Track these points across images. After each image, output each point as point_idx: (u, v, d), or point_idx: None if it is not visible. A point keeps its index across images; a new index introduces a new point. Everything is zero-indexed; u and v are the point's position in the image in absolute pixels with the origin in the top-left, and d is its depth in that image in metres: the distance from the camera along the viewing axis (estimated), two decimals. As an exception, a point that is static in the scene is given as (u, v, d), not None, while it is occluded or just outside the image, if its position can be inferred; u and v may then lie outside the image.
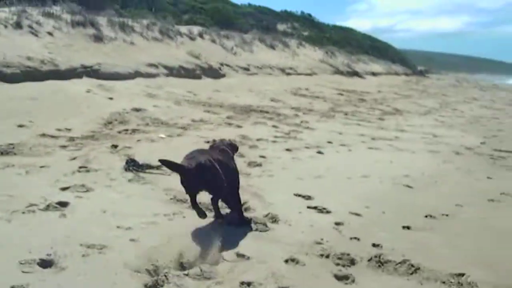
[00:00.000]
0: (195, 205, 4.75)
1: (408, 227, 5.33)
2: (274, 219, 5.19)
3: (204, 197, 5.06)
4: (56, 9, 17.90)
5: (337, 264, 4.26)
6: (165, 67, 17.15)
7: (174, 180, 6.15)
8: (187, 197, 5.47)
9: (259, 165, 7.54)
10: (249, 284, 3.78)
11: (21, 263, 3.71)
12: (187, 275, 3.83)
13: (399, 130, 12.73)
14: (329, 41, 43.38)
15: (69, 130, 8.50)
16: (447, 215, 5.84)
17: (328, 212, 5.62)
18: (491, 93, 36.74)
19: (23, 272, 3.63)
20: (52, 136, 8.00)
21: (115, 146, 7.72)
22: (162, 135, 8.88)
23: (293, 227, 5.09)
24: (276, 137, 9.96)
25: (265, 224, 5.03)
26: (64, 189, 5.58)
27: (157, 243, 4.33)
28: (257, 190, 6.13)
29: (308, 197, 6.07)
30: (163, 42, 20.52)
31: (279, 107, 14.60)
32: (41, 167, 6.34)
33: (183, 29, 23.83)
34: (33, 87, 11.05)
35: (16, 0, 17.60)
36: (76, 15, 17.78)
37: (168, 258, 4.05)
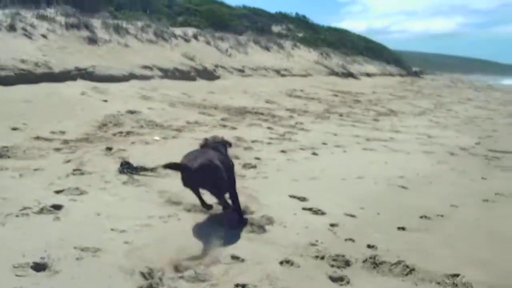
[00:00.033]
0: (200, 198, 5.05)
1: (403, 228, 5.34)
2: (269, 221, 5.19)
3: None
4: (50, 12, 17.82)
5: (332, 266, 4.25)
6: (160, 69, 17.10)
7: (168, 182, 6.18)
8: (182, 199, 5.51)
9: (254, 167, 7.54)
10: (244, 286, 3.78)
11: (14, 267, 3.70)
12: (181, 277, 3.83)
13: (394, 131, 12.75)
14: (324, 42, 43.39)
15: (63, 132, 8.47)
16: (442, 216, 5.85)
17: (323, 213, 5.62)
18: (486, 93, 36.87)
19: (16, 275, 3.61)
20: (46, 139, 7.97)
21: (109, 149, 7.70)
22: (157, 138, 8.87)
23: (288, 228, 5.08)
24: (271, 138, 9.96)
25: (260, 226, 5.02)
26: (58, 192, 5.55)
27: (151, 245, 4.32)
28: (252, 192, 6.13)
29: (303, 199, 6.07)
30: (157, 44, 20.47)
31: (274, 109, 14.59)
32: (35, 170, 6.32)
33: (178, 31, 23.78)
34: (27, 90, 11.00)
35: (9, 2, 17.53)
36: (70, 17, 17.70)
37: (163, 260, 4.03)
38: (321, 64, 31.88)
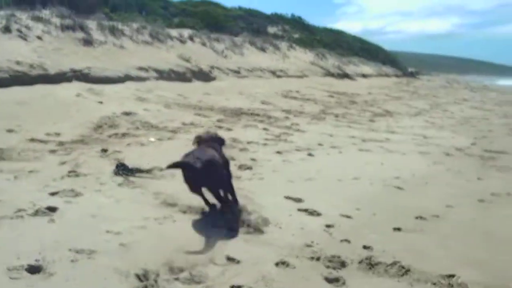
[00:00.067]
0: (203, 197, 5.24)
1: (398, 229, 5.33)
2: (265, 222, 5.17)
3: (195, 201, 5.05)
4: (45, 13, 17.80)
5: (328, 267, 4.25)
6: (155, 70, 17.08)
7: (164, 184, 6.18)
8: (177, 201, 5.52)
9: (250, 168, 7.53)
10: (239, 287, 3.77)
11: (9, 269, 3.68)
12: (177, 279, 3.82)
13: (390, 132, 12.76)
14: (320, 43, 43.48)
15: (58, 134, 8.45)
16: (437, 216, 5.85)
17: (318, 214, 5.61)
18: (481, 94, 36.94)
19: (10, 278, 3.59)
20: (41, 141, 7.95)
21: (104, 150, 7.68)
22: (152, 139, 8.85)
23: (284, 229, 5.07)
24: (266, 139, 9.95)
25: (255, 227, 5.02)
26: (53, 194, 5.53)
27: (146, 247, 4.31)
28: (247, 193, 6.12)
29: (299, 200, 6.06)
30: (153, 46, 20.46)
31: (269, 110, 14.59)
32: (30, 172, 6.30)
33: (174, 32, 23.80)
34: (22, 92, 10.97)
35: (4, 4, 17.50)
36: (65, 19, 17.69)
37: (158, 262, 4.02)
38: (316, 65, 31.93)
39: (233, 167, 6.80)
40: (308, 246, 4.66)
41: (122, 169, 6.55)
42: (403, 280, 4.13)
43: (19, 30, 14.98)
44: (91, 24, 18.75)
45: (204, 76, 19.44)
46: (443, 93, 33.17)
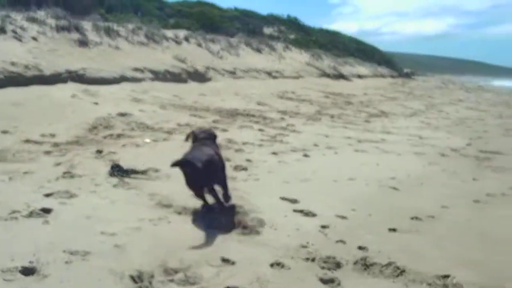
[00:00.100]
0: (203, 198, 5.37)
1: (394, 229, 5.33)
2: (260, 223, 5.16)
3: (190, 202, 5.04)
4: (40, 14, 17.75)
5: (323, 268, 4.24)
6: (151, 71, 17.06)
7: (159, 185, 6.18)
8: (172, 202, 5.52)
9: (245, 169, 7.52)
10: (234, 288, 3.77)
11: (2, 271, 3.66)
12: (171, 280, 3.81)
13: (385, 132, 12.77)
14: (316, 44, 43.52)
15: (53, 135, 8.42)
16: (433, 217, 5.85)
17: (314, 215, 5.60)
18: (477, 94, 37.06)
19: (4, 280, 3.57)
20: (36, 142, 7.92)
21: (100, 152, 7.66)
22: (147, 140, 8.83)
23: (279, 230, 5.06)
24: (262, 140, 9.94)
25: (250, 228, 5.01)
26: (47, 195, 5.51)
27: (141, 248, 4.30)
28: (243, 194, 6.11)
29: (294, 201, 6.05)
30: (148, 47, 20.44)
31: (265, 111, 14.59)
32: (25, 173, 6.28)
33: (169, 33, 23.77)
34: (17, 93, 10.94)
35: (-1, 5, 17.47)
36: (60, 19, 17.64)
37: (153, 263, 4.01)
38: (312, 66, 31.95)
39: (228, 168, 6.80)
40: (304, 247, 4.65)
41: (117, 170, 6.53)
42: (398, 281, 4.12)
43: (14, 31, 14.93)
44: (86, 25, 18.71)
45: (199, 77, 19.43)
46: (438, 93, 33.24)
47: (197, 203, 5.45)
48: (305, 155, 8.89)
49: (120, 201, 5.58)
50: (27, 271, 3.72)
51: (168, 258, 4.11)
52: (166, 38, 22.49)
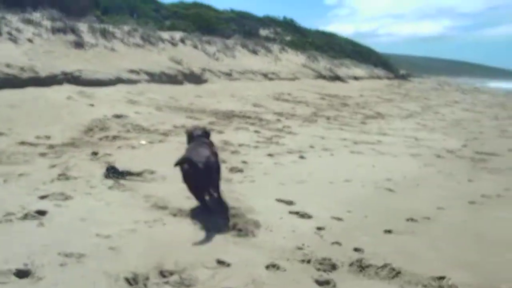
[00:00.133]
0: (203, 199, 5.42)
1: (389, 231, 5.33)
2: (256, 225, 5.16)
3: (186, 204, 5.03)
4: (36, 16, 17.72)
5: (318, 269, 4.24)
6: (147, 73, 17.02)
7: (154, 187, 6.16)
8: (168, 204, 5.52)
9: (241, 170, 7.51)
10: (229, 291, 3.76)
11: (-3, 274, 3.65)
12: (167, 283, 3.80)
13: (381, 134, 12.78)
14: (312, 46, 43.54)
15: (48, 137, 8.40)
16: (428, 218, 5.86)
17: (309, 217, 5.60)
18: (472, 96, 37.17)
19: (-1, 283, 3.57)
20: (32, 144, 7.90)
21: (95, 153, 7.64)
22: (143, 142, 8.82)
23: (275, 232, 5.06)
24: (258, 142, 9.94)
25: (246, 230, 5.00)
26: (42, 197, 5.49)
27: (136, 251, 4.29)
28: (238, 196, 6.10)
29: (290, 202, 6.05)
30: (144, 48, 20.41)
31: (261, 112, 14.58)
32: (20, 175, 6.26)
33: (165, 35, 23.74)
34: (13, 94, 10.90)
35: (-6, 7, 17.41)
36: (56, 21, 17.60)
37: (148, 266, 4.01)
38: (308, 68, 31.96)
39: (224, 170, 6.80)
40: (299, 248, 4.65)
41: (113, 172, 6.52)
42: (394, 283, 4.13)
43: (9, 33, 14.88)
44: (82, 26, 18.67)
45: (195, 78, 19.40)
46: (434, 95, 33.29)
47: (192, 205, 5.44)
48: (301, 157, 8.89)
49: (115, 203, 5.57)
50: (22, 274, 3.71)
51: (163, 260, 4.11)
52: (162, 40, 22.46)
